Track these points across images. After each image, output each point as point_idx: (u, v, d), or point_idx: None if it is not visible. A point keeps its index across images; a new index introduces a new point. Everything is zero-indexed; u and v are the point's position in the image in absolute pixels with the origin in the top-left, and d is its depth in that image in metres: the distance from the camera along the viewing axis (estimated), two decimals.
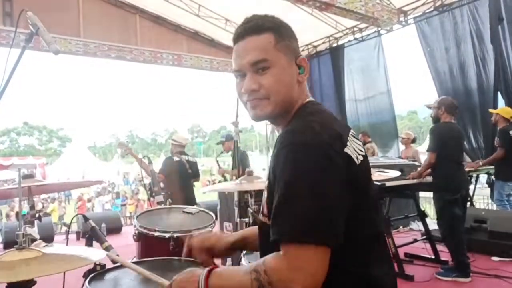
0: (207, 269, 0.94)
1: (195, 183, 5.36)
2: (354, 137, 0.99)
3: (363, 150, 1.00)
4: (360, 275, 0.92)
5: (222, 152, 6.05)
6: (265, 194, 1.02)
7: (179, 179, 4.74)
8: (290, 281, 0.80)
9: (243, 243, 1.25)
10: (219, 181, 6.41)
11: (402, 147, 7.05)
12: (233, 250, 1.26)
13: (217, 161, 6.38)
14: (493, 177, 5.29)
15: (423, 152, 7.19)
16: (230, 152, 5.78)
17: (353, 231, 0.89)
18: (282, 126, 1.04)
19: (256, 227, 1.14)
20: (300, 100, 1.03)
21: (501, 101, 5.91)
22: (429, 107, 3.97)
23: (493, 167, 5.12)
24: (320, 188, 0.83)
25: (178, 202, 3.27)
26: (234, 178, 4.09)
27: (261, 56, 0.97)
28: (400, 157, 6.85)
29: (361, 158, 0.96)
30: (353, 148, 0.94)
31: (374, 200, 1.01)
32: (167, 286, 0.99)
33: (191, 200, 4.71)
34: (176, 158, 4.88)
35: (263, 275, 0.83)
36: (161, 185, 4.75)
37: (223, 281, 0.91)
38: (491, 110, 5.24)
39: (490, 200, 6.44)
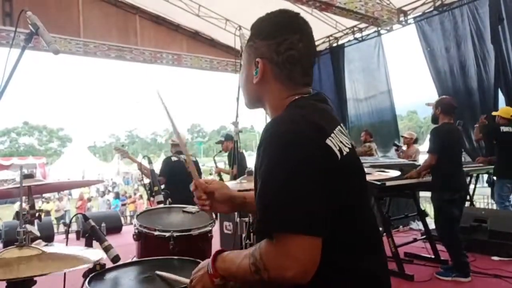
0: (213, 253, 1.02)
1: None
2: (341, 131, 1.00)
3: (349, 144, 1.00)
4: (350, 271, 0.93)
5: (220, 151, 6.05)
6: (254, 186, 1.04)
7: (178, 179, 4.71)
8: (282, 268, 0.83)
9: (242, 201, 1.31)
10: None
11: (403, 147, 7.04)
12: (231, 204, 1.30)
13: (215, 160, 6.38)
14: (494, 177, 5.29)
15: (422, 152, 7.20)
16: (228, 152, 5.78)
17: (341, 223, 0.90)
18: None
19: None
20: (283, 98, 1.03)
21: (501, 101, 5.92)
22: (429, 105, 3.97)
23: (493, 166, 5.12)
24: (299, 178, 0.84)
25: (178, 202, 3.24)
26: (230, 175, 4.10)
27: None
28: (398, 146, 6.85)
29: (346, 150, 0.95)
30: (338, 140, 0.94)
31: (364, 193, 1.01)
32: (189, 281, 1.07)
33: (191, 200, 4.65)
34: (174, 158, 4.86)
35: (259, 260, 0.86)
36: (162, 186, 4.73)
37: (227, 264, 0.97)
38: (494, 113, 5.24)
39: (490, 200, 6.44)
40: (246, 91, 1.12)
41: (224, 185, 1.31)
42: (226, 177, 5.83)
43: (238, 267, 0.92)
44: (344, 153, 0.94)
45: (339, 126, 1.00)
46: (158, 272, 1.45)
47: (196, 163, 5.15)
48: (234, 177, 3.50)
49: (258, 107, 1.15)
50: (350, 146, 0.99)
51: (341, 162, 0.92)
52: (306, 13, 7.64)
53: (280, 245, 0.83)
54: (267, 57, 1.02)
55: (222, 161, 7.55)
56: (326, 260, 0.86)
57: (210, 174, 21.31)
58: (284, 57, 1.00)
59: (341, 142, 0.95)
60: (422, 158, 6.08)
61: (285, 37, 1.00)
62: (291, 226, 0.82)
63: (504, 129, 4.88)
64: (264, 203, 0.87)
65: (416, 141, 6.73)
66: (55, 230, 9.07)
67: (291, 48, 1.00)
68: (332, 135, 0.93)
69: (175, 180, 4.68)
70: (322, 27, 8.34)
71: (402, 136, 7.02)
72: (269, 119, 1.05)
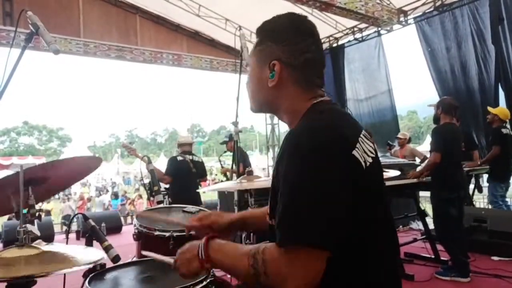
0: (206, 236, 0.99)
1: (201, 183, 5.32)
2: (365, 137, 0.98)
3: (374, 152, 0.98)
4: (364, 284, 0.91)
5: (225, 151, 6.08)
6: (270, 194, 1.03)
7: (183, 179, 4.70)
8: (286, 277, 0.82)
9: (242, 223, 1.32)
10: (221, 180, 6.46)
11: (396, 146, 7.10)
12: (231, 230, 1.32)
13: (220, 160, 6.43)
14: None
15: (424, 151, 7.23)
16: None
17: (360, 237, 0.89)
18: (293, 126, 1.03)
19: (255, 209, 1.19)
20: (302, 101, 1.01)
21: (502, 100, 5.92)
22: (431, 106, 4.00)
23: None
24: (321, 192, 0.83)
25: (183, 201, 3.21)
26: (234, 175, 4.15)
27: (248, 59, 1.10)
28: (391, 146, 6.96)
29: (370, 160, 0.94)
30: (362, 150, 0.92)
31: (381, 206, 0.97)
32: (173, 261, 1.05)
33: (195, 200, 4.59)
34: (179, 158, 4.87)
35: (260, 264, 0.85)
36: (167, 186, 4.73)
37: (220, 255, 0.95)
38: (490, 109, 5.26)
39: None
40: (258, 96, 1.07)
41: (217, 216, 1.32)
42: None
43: (234, 263, 0.91)
44: (368, 164, 0.92)
45: (362, 132, 0.99)
46: (144, 252, 1.39)
47: (201, 164, 5.14)
48: (238, 175, 3.50)
49: (264, 112, 1.13)
50: (373, 155, 0.97)
51: (364, 174, 0.90)
52: (306, 13, 7.64)
53: (290, 255, 0.82)
54: (283, 60, 1.00)
55: (228, 161, 7.59)
56: (341, 274, 0.86)
57: (211, 173, 21.35)
58: (301, 60, 1.00)
59: (365, 152, 0.93)
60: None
61: (300, 40, 1.00)
62: (311, 240, 0.81)
63: (504, 131, 4.92)
64: (286, 215, 0.85)
65: (409, 141, 6.81)
66: (59, 229, 9.07)
67: (306, 51, 1.00)
68: (358, 145, 0.91)
69: (180, 179, 4.68)
70: (322, 27, 8.33)
71: (396, 137, 7.06)
72: (269, 119, 1.05)
